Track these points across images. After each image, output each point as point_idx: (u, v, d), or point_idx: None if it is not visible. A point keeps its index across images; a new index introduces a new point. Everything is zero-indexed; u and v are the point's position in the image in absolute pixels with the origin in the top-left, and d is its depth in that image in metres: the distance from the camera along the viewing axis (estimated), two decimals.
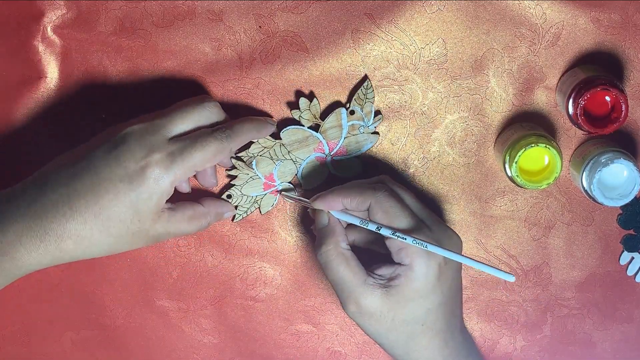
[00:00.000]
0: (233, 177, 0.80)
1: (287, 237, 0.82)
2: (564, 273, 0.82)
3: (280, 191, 0.80)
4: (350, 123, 0.79)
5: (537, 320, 0.83)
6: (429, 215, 0.74)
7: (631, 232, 0.80)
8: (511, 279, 0.71)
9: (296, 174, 0.80)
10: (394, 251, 0.72)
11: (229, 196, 0.80)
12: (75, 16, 0.79)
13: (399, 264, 0.72)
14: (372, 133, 0.79)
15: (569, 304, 0.82)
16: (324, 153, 0.80)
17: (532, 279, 0.82)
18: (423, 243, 0.70)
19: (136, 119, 0.73)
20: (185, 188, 0.78)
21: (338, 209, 0.74)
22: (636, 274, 0.82)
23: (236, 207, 0.80)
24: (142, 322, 0.85)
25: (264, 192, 0.80)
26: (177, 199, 0.75)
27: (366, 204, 0.73)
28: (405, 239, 0.70)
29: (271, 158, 0.79)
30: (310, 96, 0.79)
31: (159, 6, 0.79)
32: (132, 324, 0.85)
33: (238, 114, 0.79)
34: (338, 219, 0.75)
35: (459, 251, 0.74)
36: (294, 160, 0.80)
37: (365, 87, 0.78)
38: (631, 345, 0.83)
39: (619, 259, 0.81)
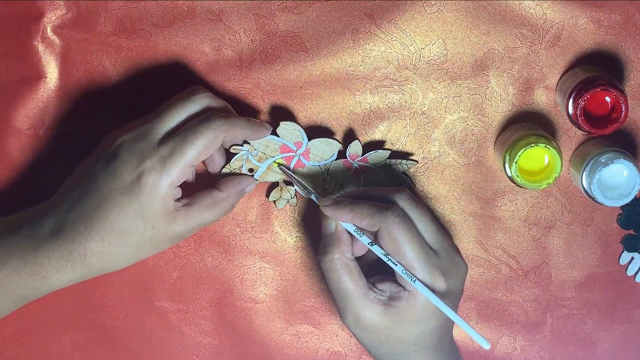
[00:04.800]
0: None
1: (287, 237, 0.82)
2: (563, 273, 0.82)
3: (279, 164, 0.78)
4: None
5: (537, 321, 0.83)
6: (440, 241, 0.72)
7: (631, 232, 0.80)
8: (486, 346, 0.71)
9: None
10: (398, 275, 0.71)
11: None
12: (75, 16, 0.79)
13: (403, 287, 0.72)
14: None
15: (568, 304, 0.82)
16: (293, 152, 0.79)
17: (532, 279, 0.82)
18: (421, 285, 0.70)
19: (128, 125, 0.73)
20: (190, 179, 0.77)
21: (346, 221, 0.73)
22: (636, 274, 0.82)
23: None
24: (141, 323, 0.85)
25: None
26: (195, 189, 0.75)
27: (375, 227, 0.71)
28: (406, 273, 0.70)
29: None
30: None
31: (159, 6, 0.79)
32: (132, 324, 0.85)
33: (238, 114, 0.78)
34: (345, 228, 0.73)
35: (462, 279, 0.73)
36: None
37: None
38: (631, 345, 0.83)
39: (619, 259, 0.81)
